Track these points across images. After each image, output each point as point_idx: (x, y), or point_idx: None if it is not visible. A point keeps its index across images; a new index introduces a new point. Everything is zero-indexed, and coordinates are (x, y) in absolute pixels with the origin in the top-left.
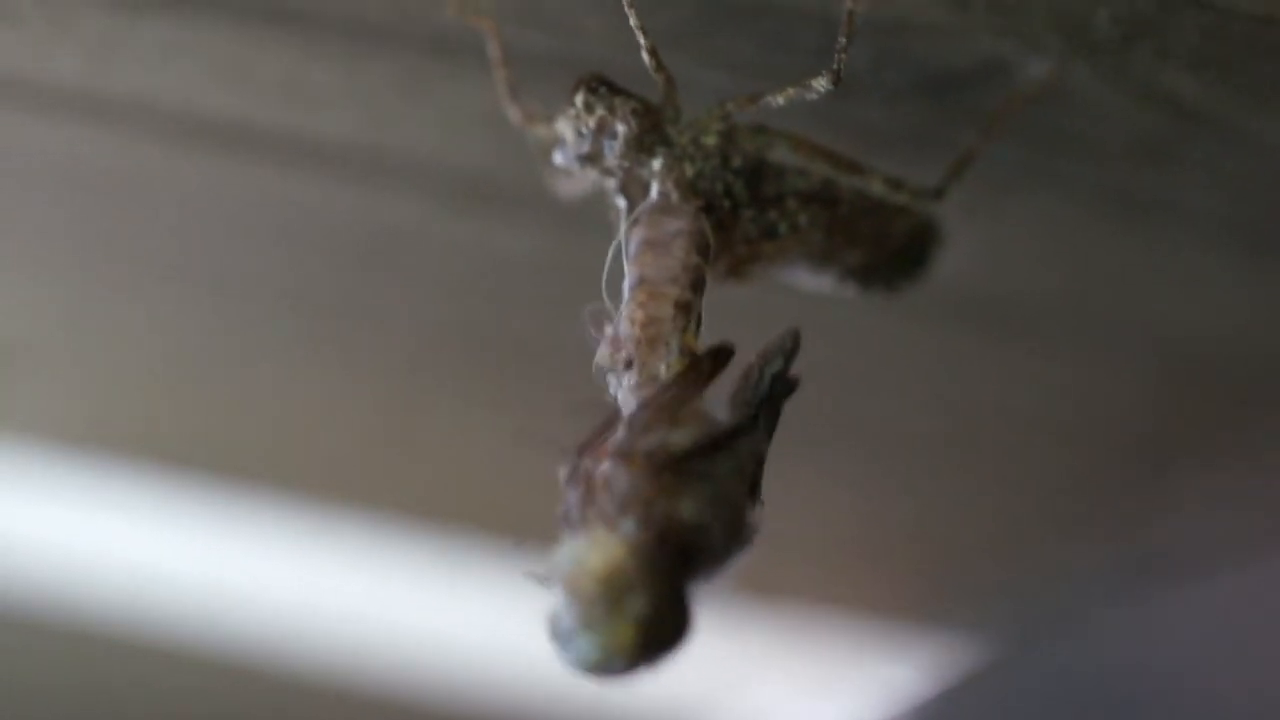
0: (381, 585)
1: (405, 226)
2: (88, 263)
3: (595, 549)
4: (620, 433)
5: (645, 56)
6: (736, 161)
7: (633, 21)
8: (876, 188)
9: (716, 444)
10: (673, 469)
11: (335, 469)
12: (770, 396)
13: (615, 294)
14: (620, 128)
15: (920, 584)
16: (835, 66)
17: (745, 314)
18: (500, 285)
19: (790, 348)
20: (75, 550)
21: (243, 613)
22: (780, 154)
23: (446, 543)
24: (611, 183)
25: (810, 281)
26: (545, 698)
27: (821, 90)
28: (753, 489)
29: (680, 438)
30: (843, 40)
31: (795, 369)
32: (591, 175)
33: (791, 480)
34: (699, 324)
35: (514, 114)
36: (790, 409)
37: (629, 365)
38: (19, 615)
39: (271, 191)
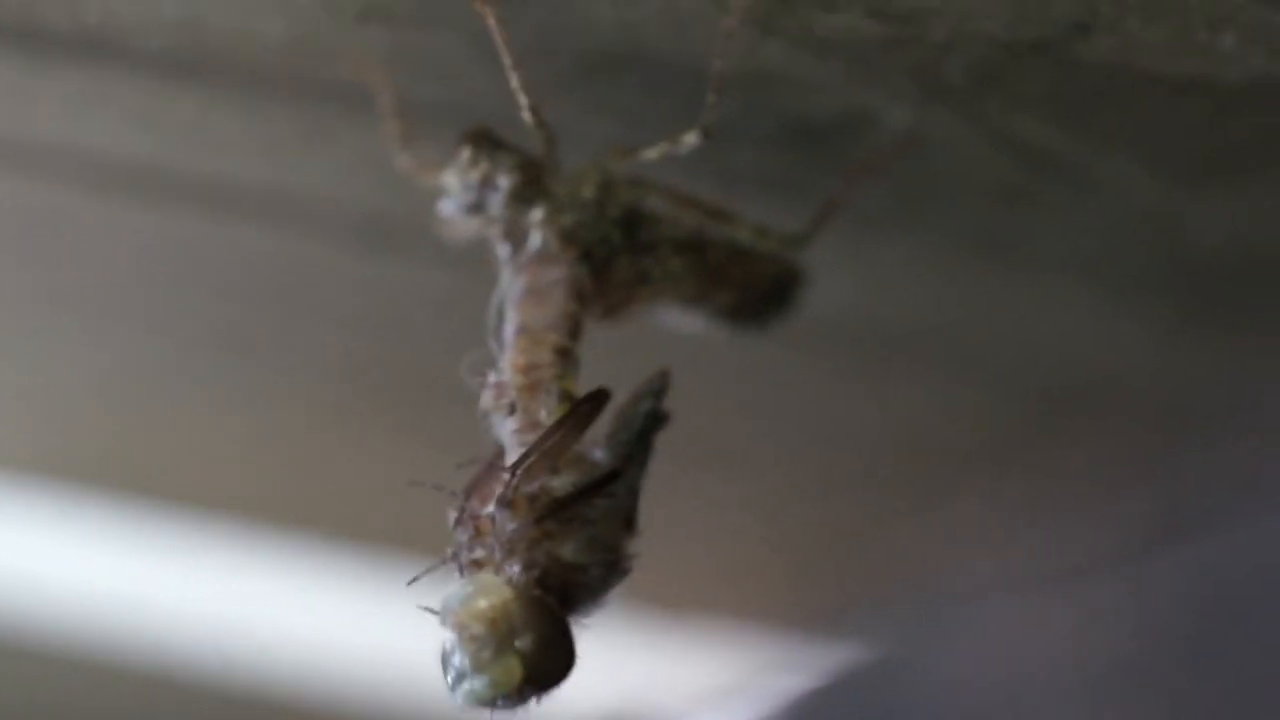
0: (281, 597)
1: (304, 265)
2: (12, 301)
3: (482, 591)
4: (504, 478)
5: (526, 115)
6: (613, 212)
7: (513, 83)
8: (744, 235)
9: (595, 488)
10: (554, 514)
11: (236, 490)
12: (643, 433)
13: (499, 338)
14: (503, 181)
15: (793, 596)
16: (705, 122)
17: (623, 349)
18: (399, 320)
19: (660, 387)
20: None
21: (168, 625)
22: (654, 203)
23: (344, 559)
24: (495, 231)
25: (683, 321)
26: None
27: (692, 144)
28: (629, 522)
29: (561, 483)
30: (712, 98)
31: (670, 401)
32: (476, 223)
33: (671, 503)
34: (577, 369)
35: (404, 163)
36: (671, 436)
37: (512, 410)
38: None
39: (180, 232)
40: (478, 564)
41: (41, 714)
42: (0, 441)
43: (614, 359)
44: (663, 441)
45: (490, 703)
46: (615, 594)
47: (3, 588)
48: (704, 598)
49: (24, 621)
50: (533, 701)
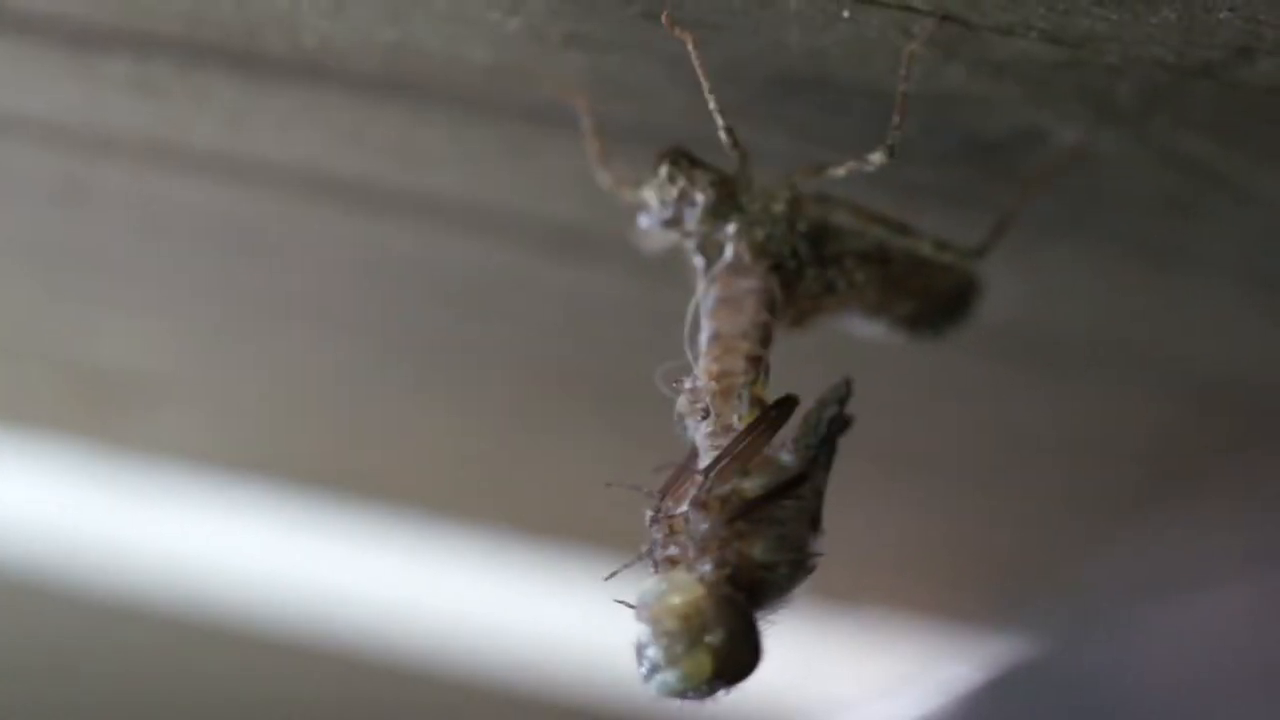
0: (481, 592)
1: (505, 273)
2: (219, 305)
3: (676, 588)
4: (698, 479)
5: (722, 135)
6: (802, 226)
7: (711, 105)
8: (925, 248)
9: (783, 491)
10: (744, 515)
11: (441, 488)
12: (828, 437)
13: (694, 344)
14: (699, 197)
15: (968, 592)
16: (890, 142)
17: (809, 354)
18: (591, 327)
19: (844, 394)
20: (199, 560)
21: (359, 613)
22: (840, 218)
23: (543, 555)
24: (690, 244)
25: (865, 329)
26: (635, 702)
27: (878, 163)
28: (814, 522)
29: (751, 486)
30: (896, 119)
31: (850, 407)
32: (672, 236)
33: (852, 503)
34: (767, 375)
35: (604, 179)
36: (852, 439)
37: (706, 414)
38: (157, 616)
39: (385, 242)
40: (671, 561)
41: (225, 696)
42: (217, 439)
43: (801, 366)
44: (844, 443)
45: (681, 694)
46: (799, 590)
47: (220, 579)
48: (879, 592)
49: (234, 610)
50: (721, 693)
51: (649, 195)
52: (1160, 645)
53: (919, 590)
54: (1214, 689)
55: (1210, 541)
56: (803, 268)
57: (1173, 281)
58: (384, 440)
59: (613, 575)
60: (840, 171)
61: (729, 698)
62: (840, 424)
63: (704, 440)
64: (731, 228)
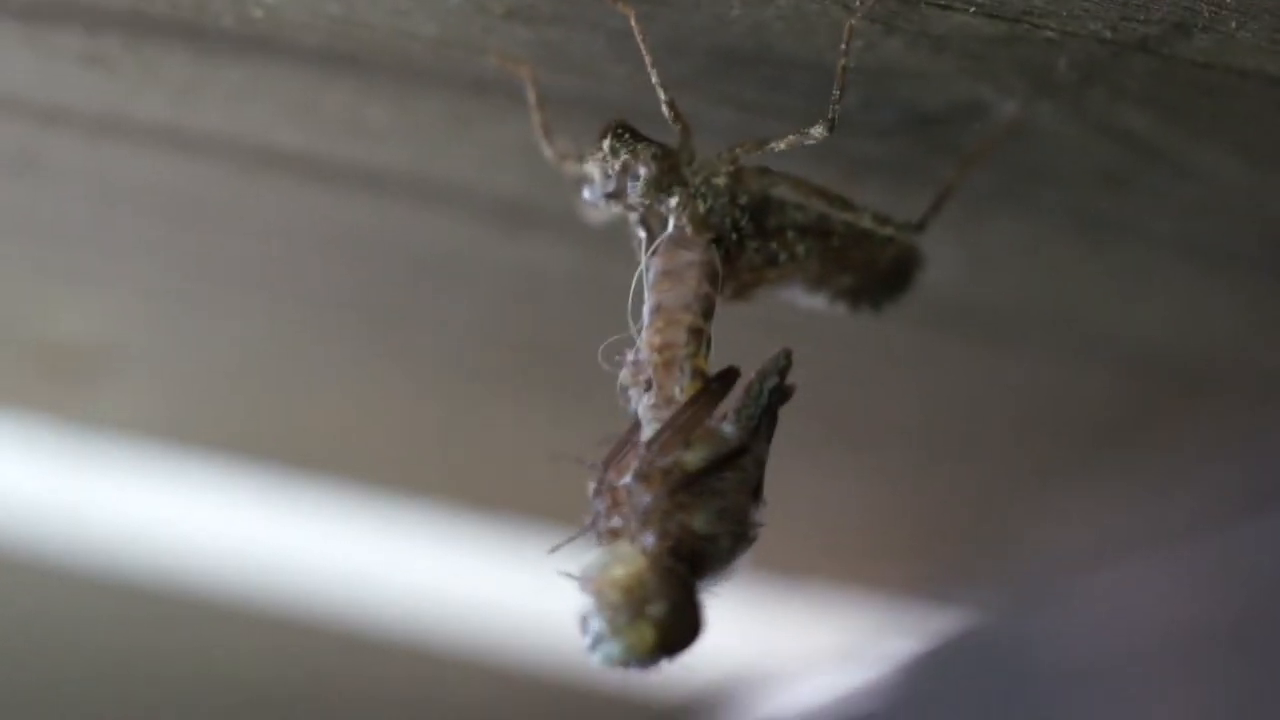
0: (432, 562)
1: (453, 246)
2: (174, 276)
3: (618, 560)
4: (640, 452)
5: (664, 109)
6: (743, 199)
7: (652, 79)
8: (866, 221)
9: (724, 462)
10: (686, 487)
11: (392, 459)
12: (768, 407)
13: (637, 317)
14: (642, 170)
15: (912, 563)
16: (830, 115)
17: (751, 324)
18: (538, 298)
19: (784, 364)
20: (157, 531)
21: (314, 582)
22: (781, 191)
23: (492, 525)
24: (633, 216)
25: (806, 301)
26: (581, 671)
27: (818, 137)
28: (755, 493)
29: (693, 458)
30: (837, 93)
31: (792, 378)
32: (616, 209)
33: (794, 474)
34: (709, 347)
35: (548, 153)
36: (795, 410)
37: (648, 386)
38: (117, 588)
39: (334, 215)
40: (614, 533)
41: (182, 670)
42: (172, 411)
43: (742, 336)
44: (786, 414)
45: (625, 664)
46: (741, 561)
47: (150, 553)
48: (822, 564)
49: (192, 581)
50: (663, 663)
51: (592, 168)
52: (1104, 614)
53: (863, 561)
54: (1158, 656)
55: (1152, 511)
56: (744, 240)
57: (1111, 253)
58: (336, 411)
59: (556, 549)
60: (781, 145)
61: (674, 668)
62: (781, 394)
63: (646, 412)
64: (673, 201)
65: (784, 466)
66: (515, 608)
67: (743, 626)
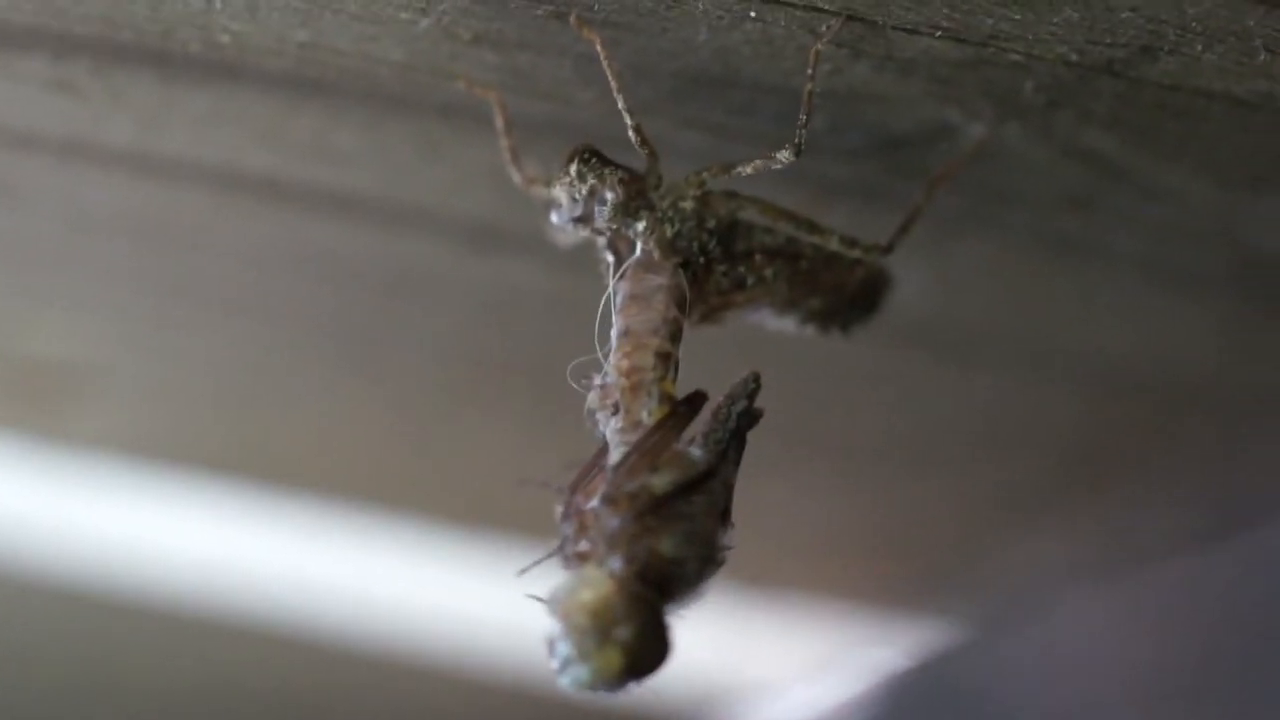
0: (402, 577)
1: (422, 266)
2: (147, 297)
3: (586, 584)
4: (608, 476)
5: (631, 134)
6: (711, 223)
7: (620, 104)
8: (833, 244)
9: (692, 486)
10: (654, 511)
11: (362, 477)
12: (737, 431)
13: (605, 339)
14: (609, 194)
15: (887, 578)
16: (797, 140)
17: (719, 345)
18: (507, 317)
19: (753, 388)
20: (132, 548)
21: (286, 596)
22: (749, 215)
23: (462, 542)
24: (601, 240)
25: (775, 323)
26: (554, 686)
27: (785, 161)
28: (723, 516)
29: (660, 482)
30: (803, 117)
31: (765, 397)
32: (583, 233)
33: (769, 490)
34: (676, 370)
35: (516, 177)
36: (768, 428)
37: (616, 410)
38: (91, 603)
39: (304, 236)
40: (582, 556)
41: (158, 683)
42: (146, 430)
43: (711, 359)
44: (759, 431)
45: (592, 688)
46: (710, 584)
47: (124, 569)
48: (801, 578)
49: (166, 596)
50: (630, 687)
51: (560, 193)
52: (1078, 630)
53: (840, 576)
54: (1136, 673)
55: (1120, 527)
56: (712, 264)
57: (1079, 274)
58: (309, 429)
59: (524, 571)
60: (748, 169)
61: (653, 682)
62: (749, 418)
63: (614, 436)
64: (641, 225)
65: (758, 484)
66: (489, 620)
67: (718, 640)
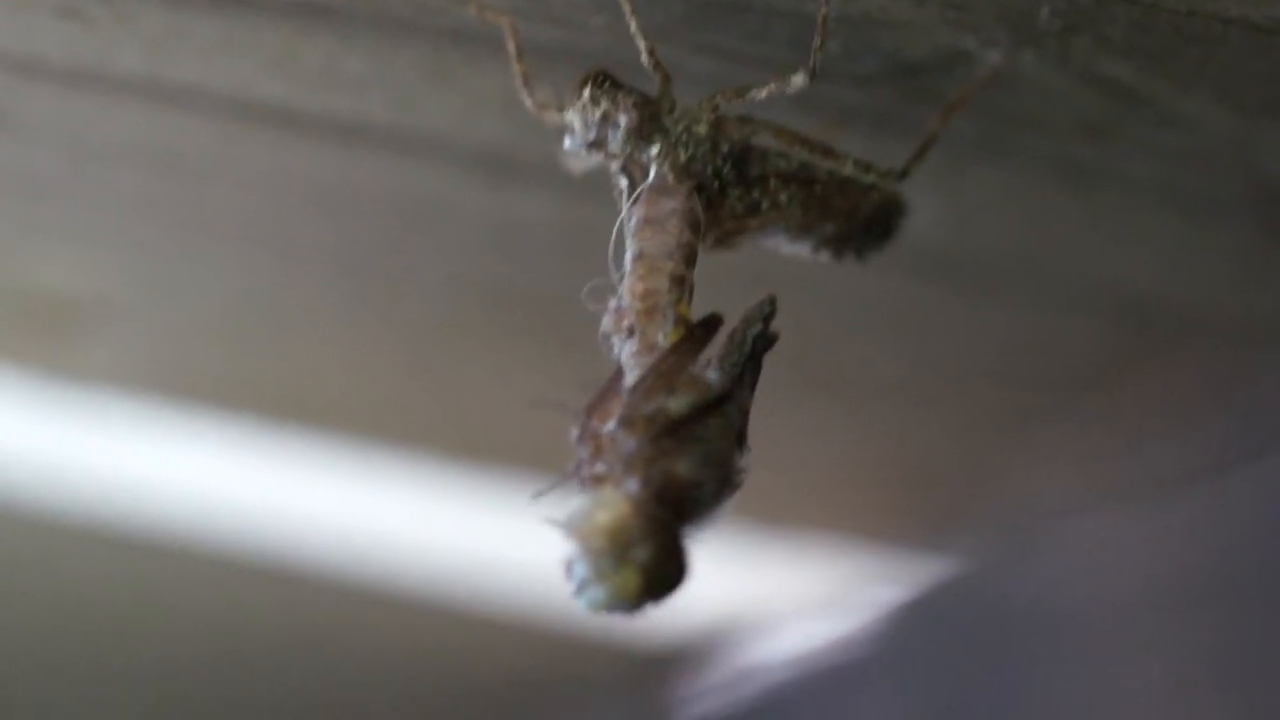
0: (414, 511)
1: (434, 195)
2: (154, 229)
3: (602, 506)
4: (624, 399)
5: (644, 57)
6: (725, 147)
7: (632, 28)
8: (848, 169)
9: (708, 408)
10: (670, 433)
11: (373, 409)
12: (753, 354)
13: (619, 265)
14: (622, 119)
15: (895, 511)
16: (811, 64)
17: (733, 274)
18: (520, 248)
19: (768, 311)
20: (139, 483)
21: (296, 532)
22: (763, 139)
23: (475, 473)
24: (615, 165)
25: (788, 249)
26: (565, 621)
27: (799, 86)
28: (739, 439)
29: (677, 404)
30: (818, 41)
31: (775, 326)
32: (597, 158)
33: (779, 422)
34: (691, 294)
35: (529, 103)
36: (778, 358)
37: (631, 333)
38: (98, 539)
39: (314, 167)
40: (598, 479)
41: (166, 619)
42: (154, 364)
43: (725, 285)
44: (769, 363)
45: (609, 610)
46: (726, 507)
47: (133, 505)
48: (803, 512)
49: (173, 532)
50: (647, 609)
51: (573, 118)
52: (1088, 561)
53: (848, 509)
54: (1143, 603)
55: (1136, 458)
56: (726, 189)
57: (1094, 202)
58: (319, 362)
59: (540, 494)
60: (762, 93)
61: (658, 614)
62: (765, 341)
63: (630, 359)
64: (655, 149)
65: (768, 415)
66: (499, 556)
67: (727, 575)
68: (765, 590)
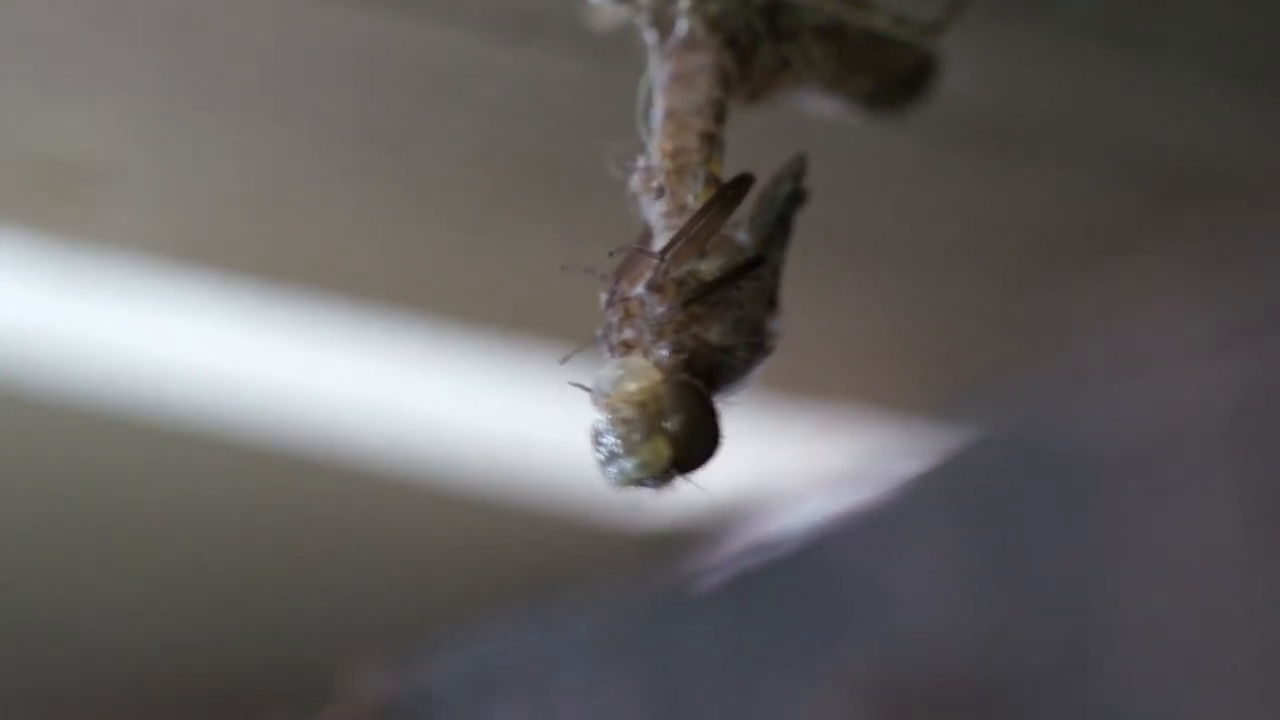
0: (435, 383)
1: (455, 58)
2: (169, 94)
3: (632, 374)
4: (653, 262)
5: None
6: (756, 0)
7: None
8: (882, 23)
9: (740, 272)
10: (701, 297)
11: (391, 278)
12: (784, 213)
13: (648, 123)
14: None
15: (919, 381)
16: None
17: (762, 135)
18: (544, 108)
19: (799, 169)
20: (146, 353)
21: (309, 407)
22: None
23: (498, 343)
24: (643, 19)
25: (820, 106)
26: (590, 492)
27: None
28: (771, 302)
29: (708, 267)
30: None
31: (805, 185)
32: (625, 11)
33: (804, 291)
34: (722, 152)
35: None
36: (804, 226)
37: (660, 194)
38: (103, 411)
39: (333, 29)
40: (627, 345)
41: (177, 495)
42: (164, 229)
43: (755, 145)
44: (796, 230)
45: (638, 482)
46: (756, 374)
47: (167, 373)
48: (826, 382)
49: (177, 408)
50: (678, 480)
51: None
52: (1120, 424)
53: (864, 379)
54: (1171, 479)
55: (1164, 327)
56: (758, 43)
57: (1137, 67)
58: (339, 230)
59: (567, 359)
60: None
61: (681, 491)
62: (796, 200)
63: (659, 220)
64: (684, 2)
65: (793, 284)
66: (525, 429)
67: (746, 448)
68: (782, 463)
